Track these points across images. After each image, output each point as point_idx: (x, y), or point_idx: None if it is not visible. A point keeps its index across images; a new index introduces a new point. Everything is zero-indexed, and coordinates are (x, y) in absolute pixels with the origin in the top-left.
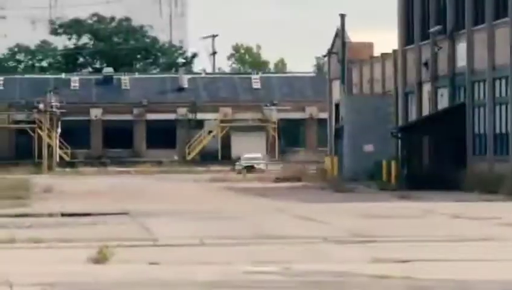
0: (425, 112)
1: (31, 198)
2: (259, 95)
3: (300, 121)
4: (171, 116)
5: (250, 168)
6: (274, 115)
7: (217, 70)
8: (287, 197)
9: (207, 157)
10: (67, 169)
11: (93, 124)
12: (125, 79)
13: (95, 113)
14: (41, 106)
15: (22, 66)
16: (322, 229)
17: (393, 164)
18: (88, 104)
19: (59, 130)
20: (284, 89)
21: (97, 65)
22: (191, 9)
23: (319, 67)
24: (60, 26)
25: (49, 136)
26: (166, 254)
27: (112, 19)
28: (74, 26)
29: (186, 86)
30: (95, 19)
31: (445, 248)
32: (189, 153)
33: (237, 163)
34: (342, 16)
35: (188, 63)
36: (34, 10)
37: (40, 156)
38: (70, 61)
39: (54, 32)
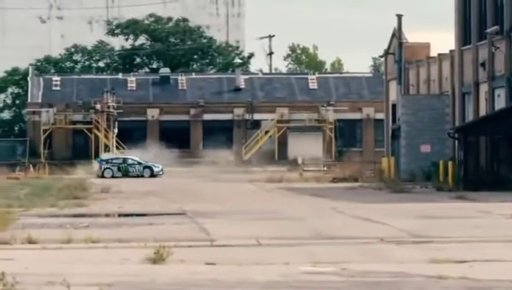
0: (482, 112)
1: (88, 198)
2: (315, 95)
3: (357, 122)
4: (227, 116)
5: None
6: (331, 115)
7: (273, 71)
8: (343, 198)
9: (264, 158)
10: None
11: (150, 124)
12: (182, 79)
13: (152, 113)
14: (98, 106)
15: (78, 66)
16: (379, 230)
17: (450, 164)
18: (145, 104)
19: (116, 130)
20: (340, 89)
21: (154, 66)
22: (248, 10)
23: (375, 67)
24: (117, 26)
25: (106, 137)
26: (223, 254)
27: (169, 19)
28: (131, 27)
29: (242, 86)
30: (151, 19)
31: (503, 249)
32: (245, 154)
33: (103, 162)
34: (399, 16)
35: (245, 63)
36: (90, 11)
37: (96, 156)
38: (127, 61)
39: (111, 32)
